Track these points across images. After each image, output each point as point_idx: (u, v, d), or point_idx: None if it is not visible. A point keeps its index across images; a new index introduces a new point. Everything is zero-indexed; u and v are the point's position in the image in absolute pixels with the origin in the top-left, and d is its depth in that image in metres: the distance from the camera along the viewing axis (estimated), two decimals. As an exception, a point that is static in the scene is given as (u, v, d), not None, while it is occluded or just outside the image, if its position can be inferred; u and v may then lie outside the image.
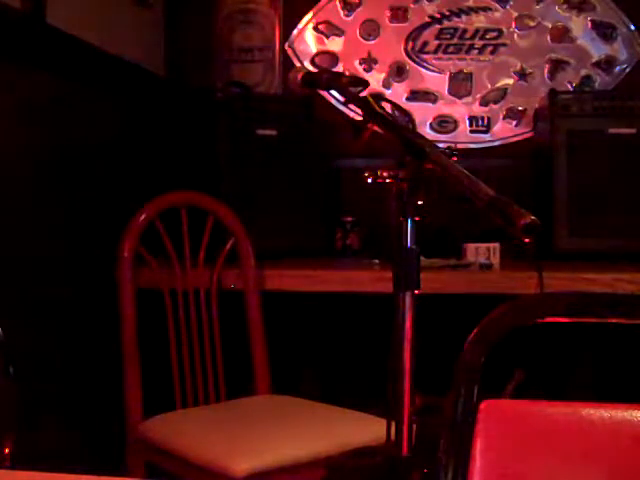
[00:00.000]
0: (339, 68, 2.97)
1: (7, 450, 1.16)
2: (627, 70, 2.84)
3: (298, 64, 2.97)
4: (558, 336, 2.45)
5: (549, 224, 2.42)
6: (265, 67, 3.01)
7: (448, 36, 2.92)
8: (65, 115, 2.21)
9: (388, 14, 2.94)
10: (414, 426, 1.12)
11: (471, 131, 2.93)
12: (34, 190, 2.07)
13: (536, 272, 1.96)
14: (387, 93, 2.94)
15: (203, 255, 2.21)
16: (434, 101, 2.94)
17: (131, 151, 2.58)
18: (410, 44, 2.94)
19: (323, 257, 2.62)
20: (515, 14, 2.89)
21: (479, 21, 2.91)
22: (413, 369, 1.12)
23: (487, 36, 2.90)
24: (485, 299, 1.87)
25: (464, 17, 2.91)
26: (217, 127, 2.48)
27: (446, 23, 2.92)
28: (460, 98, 2.93)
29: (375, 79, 2.93)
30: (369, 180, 1.13)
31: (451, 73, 2.93)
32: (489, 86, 2.92)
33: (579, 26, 2.86)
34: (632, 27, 2.83)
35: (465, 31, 2.91)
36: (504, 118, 2.91)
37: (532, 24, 2.89)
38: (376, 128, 1.22)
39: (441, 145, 2.84)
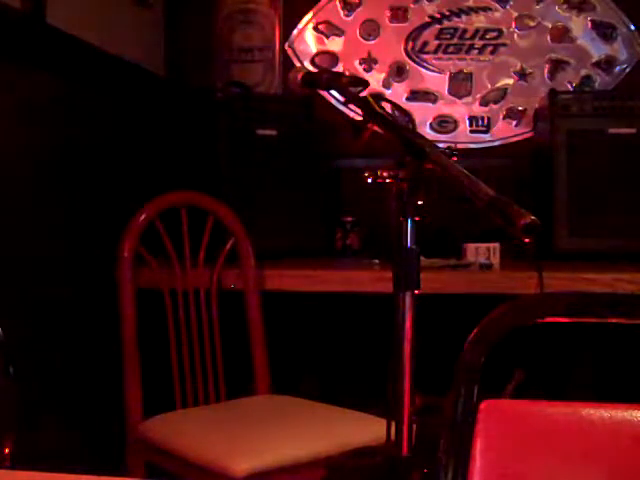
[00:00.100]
0: (339, 68, 2.97)
1: (7, 450, 1.16)
2: (627, 70, 2.84)
3: (298, 64, 2.97)
4: (558, 336, 2.45)
5: (549, 224, 2.42)
6: (265, 67, 3.01)
7: (448, 36, 2.92)
8: (65, 115, 2.21)
9: (388, 14, 2.95)
10: (414, 426, 1.12)
11: (471, 131, 2.93)
12: (34, 190, 2.07)
13: (536, 272, 1.96)
14: (387, 93, 2.94)
15: (203, 255, 2.21)
16: (434, 101, 2.94)
17: (131, 151, 2.58)
18: (410, 44, 2.94)
19: (323, 257, 2.62)
20: (515, 14, 2.89)
21: (479, 21, 2.91)
22: (413, 369, 1.12)
23: (487, 36, 2.90)
24: (485, 299, 1.87)
25: (464, 17, 2.91)
26: (217, 127, 2.48)
27: (446, 23, 2.92)
28: (460, 98, 2.93)
29: (375, 79, 2.93)
30: (369, 180, 1.13)
31: (451, 73, 2.93)
32: (489, 86, 2.92)
33: (579, 26, 2.86)
34: (632, 27, 2.83)
35: (465, 31, 2.91)
36: (504, 118, 2.91)
37: (532, 24, 2.89)
38: (376, 128, 1.22)
39: (441, 145, 2.84)
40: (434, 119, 2.95)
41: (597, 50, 2.86)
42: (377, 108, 1.22)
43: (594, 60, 2.86)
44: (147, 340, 2.10)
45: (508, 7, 2.89)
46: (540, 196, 2.54)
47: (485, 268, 2.30)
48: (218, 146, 2.47)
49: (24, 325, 1.94)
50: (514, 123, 2.91)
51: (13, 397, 1.20)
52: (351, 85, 1.38)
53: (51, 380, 2.10)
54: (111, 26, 2.49)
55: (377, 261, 2.47)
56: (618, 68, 2.85)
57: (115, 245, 2.09)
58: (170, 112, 2.66)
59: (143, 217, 2.12)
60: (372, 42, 2.96)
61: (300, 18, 2.98)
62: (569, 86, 2.86)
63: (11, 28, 1.94)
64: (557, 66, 2.88)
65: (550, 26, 2.88)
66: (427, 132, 2.92)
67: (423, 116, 2.94)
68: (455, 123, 2.94)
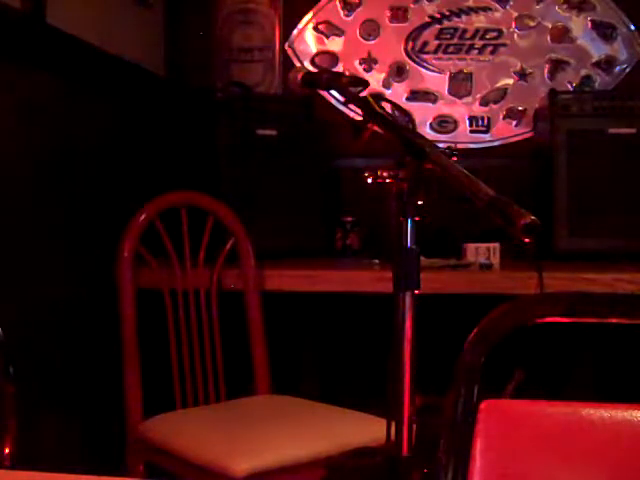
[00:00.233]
0: (339, 68, 2.97)
1: (7, 450, 1.15)
2: (627, 70, 2.84)
3: (298, 64, 2.97)
4: (558, 336, 2.45)
5: (549, 224, 2.42)
6: (265, 67, 3.01)
7: (448, 36, 2.92)
8: (65, 115, 2.21)
9: (388, 14, 2.94)
10: (414, 426, 1.12)
11: (471, 131, 2.93)
12: (34, 190, 2.06)
13: (536, 272, 1.96)
14: (387, 93, 2.94)
15: (203, 255, 2.21)
16: (434, 101, 2.94)
17: (131, 151, 2.58)
18: (410, 44, 2.94)
19: (323, 257, 2.62)
20: (515, 14, 2.89)
21: (479, 21, 2.91)
22: (413, 369, 1.12)
23: (487, 36, 2.90)
24: (485, 299, 1.87)
25: (464, 17, 2.91)
26: (217, 127, 2.48)
27: (446, 23, 2.92)
28: (460, 98, 2.93)
29: (375, 79, 2.93)
30: (369, 180, 1.13)
31: (451, 73, 2.93)
32: (489, 86, 2.92)
33: (579, 26, 2.86)
34: (632, 27, 2.83)
35: (465, 31, 2.91)
36: (504, 118, 2.91)
37: (532, 24, 2.89)
38: (376, 128, 1.22)
39: (441, 145, 2.84)
40: (434, 119, 2.95)
41: (597, 50, 2.86)
42: (377, 108, 1.22)
43: (594, 60, 2.86)
44: (147, 340, 2.10)
45: (508, 7, 2.89)
46: (540, 196, 2.54)
47: (485, 268, 2.30)
48: (218, 146, 2.47)
49: (24, 325, 1.94)
50: (514, 123, 2.91)
51: (13, 397, 1.20)
52: (351, 85, 1.38)
53: (51, 380, 2.10)
54: (111, 26, 2.49)
55: (377, 261, 2.47)
56: (618, 68, 2.85)
57: (115, 245, 2.09)
58: (170, 112, 2.66)
59: (143, 217, 2.12)
60: (372, 42, 2.96)
61: (300, 18, 2.98)
62: (569, 86, 2.86)
63: (11, 28, 1.94)
64: (557, 66, 2.88)
65: (550, 26, 2.88)
66: (427, 132, 2.92)
67: (423, 116, 2.94)
68: (455, 123, 2.94)
